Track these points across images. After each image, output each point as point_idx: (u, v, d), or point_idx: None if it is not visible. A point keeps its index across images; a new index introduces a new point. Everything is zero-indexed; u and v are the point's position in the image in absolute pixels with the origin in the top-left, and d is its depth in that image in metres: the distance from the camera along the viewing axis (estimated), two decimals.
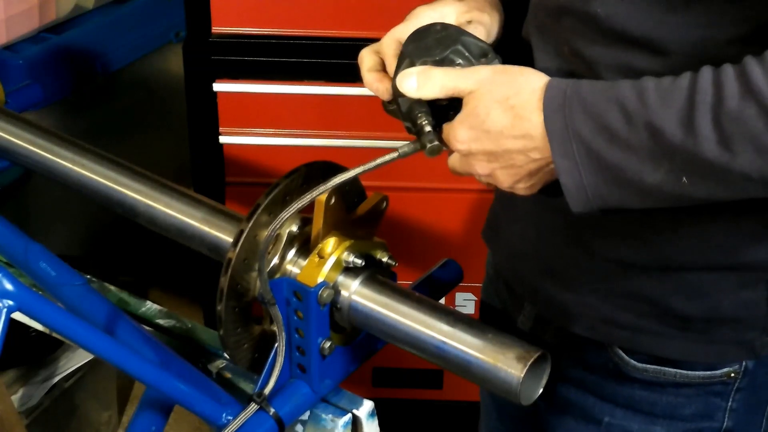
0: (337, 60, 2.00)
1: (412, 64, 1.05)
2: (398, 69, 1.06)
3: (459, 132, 1.01)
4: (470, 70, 1.02)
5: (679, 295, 1.10)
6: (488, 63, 1.04)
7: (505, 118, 0.98)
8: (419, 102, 1.04)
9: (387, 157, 1.05)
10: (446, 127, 1.03)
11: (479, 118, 0.99)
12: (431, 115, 1.04)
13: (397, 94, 1.05)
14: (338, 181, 1.04)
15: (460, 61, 1.04)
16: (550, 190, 1.03)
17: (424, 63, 1.04)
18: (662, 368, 1.15)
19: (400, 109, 1.06)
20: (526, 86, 0.99)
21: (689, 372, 1.14)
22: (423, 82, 1.03)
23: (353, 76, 1.99)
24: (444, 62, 1.04)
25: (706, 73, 0.91)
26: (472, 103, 1.00)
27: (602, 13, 1.00)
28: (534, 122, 0.97)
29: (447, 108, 1.04)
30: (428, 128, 1.03)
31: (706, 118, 0.89)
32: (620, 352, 1.16)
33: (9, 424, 1.21)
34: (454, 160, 1.08)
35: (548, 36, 1.09)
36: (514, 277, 1.27)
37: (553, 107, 0.96)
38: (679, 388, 1.16)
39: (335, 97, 2.03)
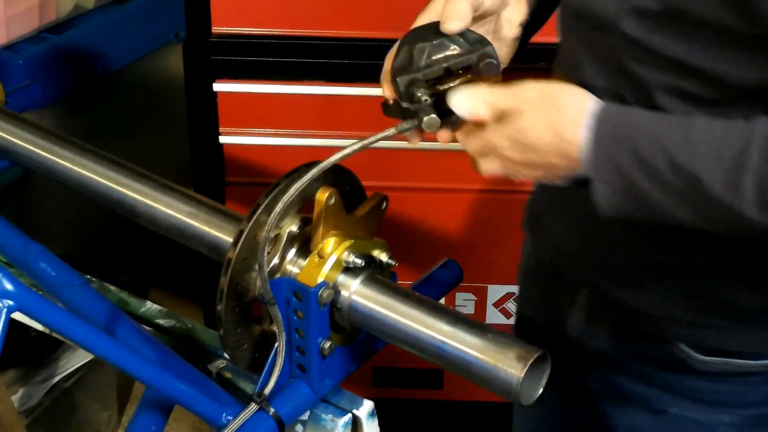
0: (337, 60, 2.00)
1: (410, 51, 1.07)
2: (397, 55, 1.08)
3: (497, 140, 1.02)
4: (515, 88, 1.03)
5: (742, 292, 1.11)
6: (482, 48, 1.07)
7: (548, 137, 1.00)
8: (416, 80, 1.05)
9: (383, 134, 1.05)
10: (480, 135, 1.04)
11: (523, 132, 1.01)
12: (430, 92, 1.05)
13: (394, 76, 1.07)
14: (338, 157, 1.03)
15: (454, 46, 1.08)
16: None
17: (422, 48, 1.07)
18: (728, 360, 1.15)
19: (399, 91, 1.07)
20: (570, 108, 1.00)
21: (755, 362, 1.15)
22: (469, 98, 1.04)
23: (353, 76, 2.01)
24: (440, 47, 1.07)
25: (760, 136, 0.91)
26: (518, 121, 1.01)
27: (658, 43, 1.00)
28: (577, 145, 0.99)
29: (446, 90, 1.06)
30: (426, 99, 1.04)
31: (752, 184, 0.91)
32: (684, 346, 1.16)
33: (9, 424, 1.21)
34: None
35: (596, 51, 1.08)
36: (565, 271, 1.28)
37: (602, 140, 0.97)
38: (744, 377, 1.17)
39: (335, 97, 2.03)
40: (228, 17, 1.99)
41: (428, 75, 1.06)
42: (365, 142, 1.04)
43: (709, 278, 1.12)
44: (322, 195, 1.09)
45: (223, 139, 2.08)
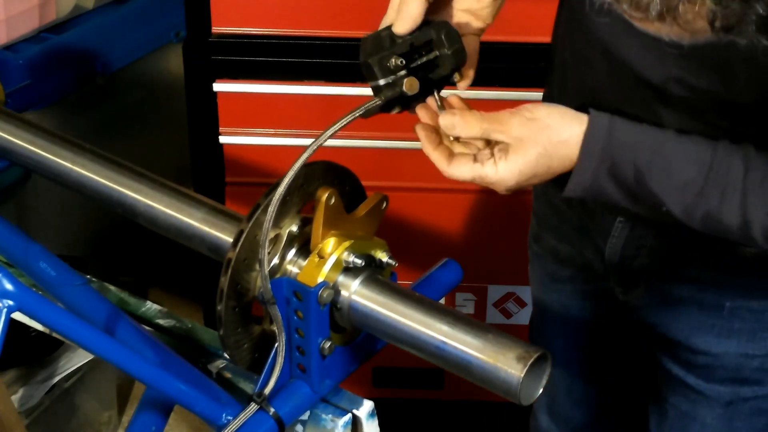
0: (337, 60, 2.00)
1: (373, 44, 1.12)
2: (361, 55, 1.13)
3: (507, 178, 1.08)
4: (506, 113, 1.08)
5: None
6: (437, 26, 1.12)
7: (551, 160, 1.08)
8: (387, 55, 1.10)
9: (370, 103, 1.11)
10: (493, 166, 1.09)
11: (531, 164, 1.08)
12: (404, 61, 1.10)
13: (365, 60, 1.12)
14: (326, 137, 1.09)
15: (408, 35, 1.12)
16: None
17: (383, 40, 1.11)
18: None
19: (373, 71, 1.11)
20: (562, 148, 1.08)
21: None
22: (458, 121, 1.10)
23: (353, 76, 2.01)
24: (398, 37, 1.12)
25: (716, 177, 1.04)
26: (523, 152, 1.07)
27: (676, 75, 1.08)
28: (573, 159, 1.08)
29: (420, 66, 1.11)
30: (401, 61, 1.10)
31: (700, 215, 1.06)
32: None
33: (9, 424, 1.21)
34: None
35: (623, 88, 1.14)
36: (599, 205, 1.33)
37: (589, 155, 1.07)
38: None
39: (335, 97, 2.03)
40: (228, 17, 1.99)
41: (396, 51, 1.10)
42: (352, 115, 1.09)
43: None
44: (322, 195, 1.09)
45: (223, 139, 2.08)
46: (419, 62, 1.11)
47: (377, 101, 1.10)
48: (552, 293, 1.50)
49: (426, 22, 1.12)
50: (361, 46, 1.12)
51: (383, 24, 1.15)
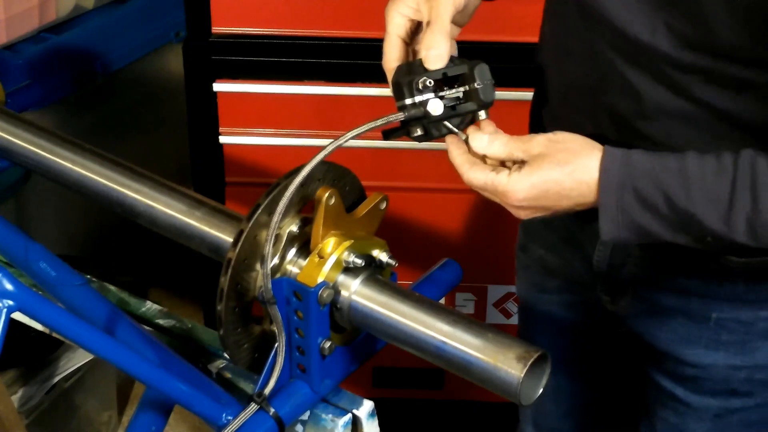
0: (337, 60, 2.00)
1: (408, 64, 1.10)
2: (396, 75, 1.12)
3: (519, 191, 1.09)
4: (532, 135, 1.10)
5: None
6: (471, 60, 1.11)
7: (570, 191, 1.09)
8: (419, 79, 1.10)
9: (393, 116, 1.10)
10: (508, 176, 1.09)
11: (547, 184, 1.08)
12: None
13: (396, 80, 1.11)
14: (338, 144, 1.07)
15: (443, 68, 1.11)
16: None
17: (417, 69, 1.10)
18: (764, 258, 1.19)
19: (401, 89, 1.10)
20: (588, 168, 1.08)
21: None
22: (489, 143, 1.11)
23: (353, 76, 2.01)
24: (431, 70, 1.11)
25: (743, 175, 1.03)
26: (540, 171, 1.08)
27: (688, 60, 1.08)
28: (591, 189, 1.08)
29: (451, 100, 1.11)
30: (430, 82, 1.09)
31: (742, 220, 1.04)
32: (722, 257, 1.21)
33: (9, 424, 1.21)
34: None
35: (628, 57, 1.14)
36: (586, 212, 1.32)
37: (608, 187, 1.07)
38: None
39: (335, 97, 2.03)
40: (228, 17, 1.99)
41: (429, 76, 1.10)
42: (372, 124, 1.08)
43: None
44: (322, 195, 1.09)
45: (223, 139, 2.08)
46: (448, 93, 1.11)
47: (399, 115, 1.10)
48: (539, 304, 1.50)
49: (459, 57, 1.12)
50: (395, 71, 1.13)
51: (386, 54, 1.16)
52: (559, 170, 1.07)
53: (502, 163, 1.12)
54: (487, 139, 1.11)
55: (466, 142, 1.12)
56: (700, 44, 1.06)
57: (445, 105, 1.10)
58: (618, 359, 1.49)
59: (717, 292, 1.24)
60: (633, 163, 1.07)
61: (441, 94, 1.10)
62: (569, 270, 1.40)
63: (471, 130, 1.12)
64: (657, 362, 1.34)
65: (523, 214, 1.12)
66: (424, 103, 1.09)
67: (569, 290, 1.44)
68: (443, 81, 1.11)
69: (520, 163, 1.09)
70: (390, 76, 1.14)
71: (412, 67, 1.12)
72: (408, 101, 1.10)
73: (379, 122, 1.09)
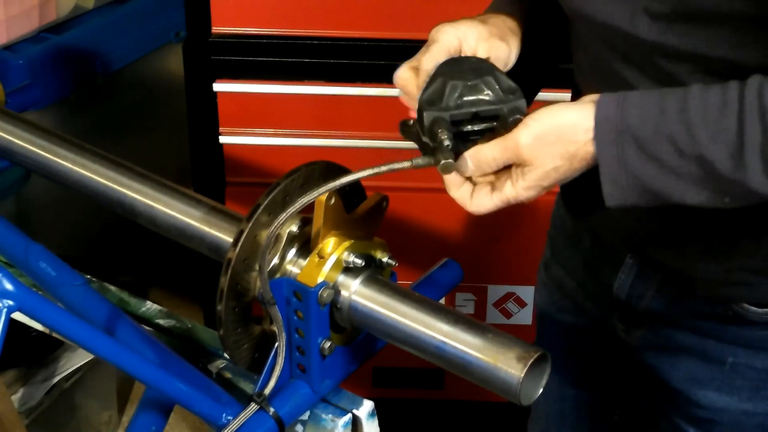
0: (337, 60, 2.00)
1: (443, 84, 1.06)
2: (428, 86, 1.07)
3: (531, 193, 1.05)
4: (512, 142, 1.04)
5: None
6: (515, 100, 1.05)
7: (572, 164, 1.04)
8: (442, 119, 1.05)
9: (397, 165, 1.05)
10: (512, 187, 1.06)
11: (550, 176, 1.04)
12: (452, 134, 1.05)
13: (421, 108, 1.06)
14: (344, 182, 1.04)
15: (488, 91, 1.06)
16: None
17: (455, 86, 1.05)
18: None
19: (422, 122, 1.06)
20: (570, 132, 1.03)
21: None
22: (477, 163, 1.06)
23: (353, 76, 2.01)
24: (474, 89, 1.06)
25: (751, 105, 0.95)
26: (534, 172, 1.04)
27: (677, 42, 1.03)
28: (591, 153, 1.03)
29: (469, 133, 1.05)
30: (447, 143, 1.04)
31: (755, 155, 0.95)
32: (740, 304, 1.19)
33: (9, 424, 1.21)
34: (484, 203, 1.08)
35: (625, 53, 1.10)
36: (607, 236, 1.29)
37: (605, 141, 1.01)
38: None
39: (335, 97, 2.03)
40: (228, 17, 1.99)
41: (455, 116, 1.05)
42: (376, 170, 1.04)
43: (759, 241, 1.14)
44: (322, 195, 1.09)
45: (223, 139, 2.08)
46: (472, 128, 1.06)
47: (406, 164, 1.05)
48: (554, 323, 1.49)
49: (504, 84, 1.07)
50: (430, 77, 1.08)
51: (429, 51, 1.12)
52: (558, 152, 1.03)
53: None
54: (475, 163, 1.06)
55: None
56: (682, 17, 1.01)
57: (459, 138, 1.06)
58: (627, 389, 1.47)
59: (735, 337, 1.22)
60: (629, 110, 1.00)
61: (463, 129, 1.05)
62: (585, 295, 1.39)
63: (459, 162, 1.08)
64: (669, 399, 1.31)
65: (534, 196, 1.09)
66: (437, 156, 1.04)
67: (582, 314, 1.42)
68: (471, 119, 1.05)
69: (519, 165, 1.06)
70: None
71: (458, 69, 1.07)
72: (424, 139, 1.05)
73: (379, 170, 1.04)
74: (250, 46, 2.00)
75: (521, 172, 1.05)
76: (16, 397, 2.16)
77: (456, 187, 1.09)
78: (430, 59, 1.11)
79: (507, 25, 1.19)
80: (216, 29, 2.00)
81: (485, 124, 1.05)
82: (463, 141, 1.06)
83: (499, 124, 1.05)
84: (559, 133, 1.03)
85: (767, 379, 1.23)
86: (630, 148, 1.00)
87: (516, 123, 1.04)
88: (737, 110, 0.96)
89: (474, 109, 1.05)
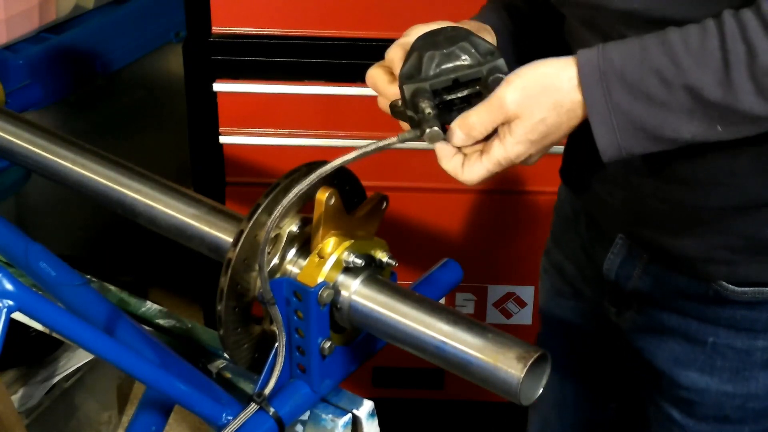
0: (337, 60, 2.00)
1: (419, 57, 1.05)
2: (406, 62, 1.07)
3: (519, 149, 1.04)
4: (497, 100, 1.03)
5: None
6: (494, 60, 1.05)
7: (558, 115, 1.03)
8: (423, 89, 1.04)
9: (384, 142, 1.05)
10: (501, 145, 1.04)
11: (537, 128, 1.03)
12: (435, 103, 1.04)
13: (401, 83, 1.06)
14: (335, 165, 1.04)
15: (465, 56, 1.05)
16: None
17: (432, 56, 1.05)
18: (761, 289, 1.19)
19: (405, 98, 1.06)
20: (556, 82, 1.02)
21: None
22: (466, 129, 1.05)
23: (353, 76, 2.01)
24: (451, 56, 1.05)
25: (732, 28, 0.96)
26: (522, 125, 1.03)
27: (640, 8, 1.04)
28: (581, 104, 1.02)
29: (453, 101, 1.05)
30: (429, 111, 1.03)
31: (742, 75, 0.96)
32: (722, 282, 1.20)
33: (9, 424, 1.21)
34: (480, 171, 1.07)
35: (596, 28, 1.11)
36: (602, 219, 1.32)
37: (590, 84, 1.01)
38: None
39: (335, 97, 2.03)
40: (228, 17, 1.99)
41: (435, 85, 1.05)
42: (366, 149, 1.04)
43: (740, 218, 1.15)
44: (322, 195, 1.09)
45: (223, 139, 2.08)
46: (456, 96, 1.05)
47: (391, 140, 1.04)
48: (554, 309, 1.51)
49: (481, 48, 1.06)
50: (407, 54, 1.07)
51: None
52: (543, 102, 1.02)
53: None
54: (465, 130, 1.05)
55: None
56: None
57: (442, 108, 1.06)
58: (622, 375, 1.48)
59: (716, 317, 1.23)
60: (610, 52, 1.00)
61: (447, 98, 1.05)
62: (583, 279, 1.41)
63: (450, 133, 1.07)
64: (655, 382, 1.33)
65: (535, 160, 1.08)
66: (422, 127, 1.03)
67: (581, 298, 1.44)
68: (453, 86, 1.05)
69: (506, 123, 1.04)
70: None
71: (433, 41, 1.06)
72: (409, 113, 1.05)
73: (367, 149, 1.04)
74: (250, 46, 2.00)
75: (508, 129, 1.04)
76: (16, 397, 2.16)
77: (447, 159, 1.08)
78: (397, 49, 1.12)
79: (484, 27, 1.21)
80: (216, 29, 2.00)
81: (468, 90, 1.05)
82: (450, 111, 1.05)
83: (481, 86, 1.05)
84: (543, 83, 1.03)
85: (747, 360, 1.24)
86: (616, 87, 1.00)
87: (497, 82, 1.04)
88: (718, 34, 0.97)
89: (453, 76, 1.05)
